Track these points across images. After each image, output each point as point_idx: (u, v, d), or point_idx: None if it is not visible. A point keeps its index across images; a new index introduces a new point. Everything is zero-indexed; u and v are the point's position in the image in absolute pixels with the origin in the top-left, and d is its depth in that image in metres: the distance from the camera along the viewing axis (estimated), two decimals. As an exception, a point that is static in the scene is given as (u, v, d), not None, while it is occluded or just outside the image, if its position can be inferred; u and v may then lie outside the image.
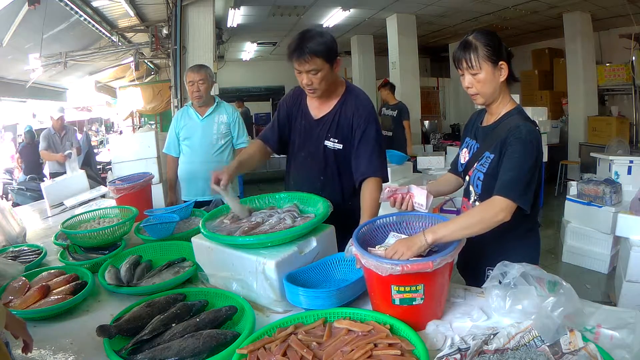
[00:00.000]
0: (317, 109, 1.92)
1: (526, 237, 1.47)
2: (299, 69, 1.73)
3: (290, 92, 2.03)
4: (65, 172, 4.59)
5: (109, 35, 6.22)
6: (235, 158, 1.79)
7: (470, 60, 1.38)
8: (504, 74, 1.40)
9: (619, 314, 1.14)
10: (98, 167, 6.31)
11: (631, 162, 3.92)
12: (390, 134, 5.79)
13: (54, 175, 4.90)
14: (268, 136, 2.00)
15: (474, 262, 1.52)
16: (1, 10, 4.02)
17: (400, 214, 1.44)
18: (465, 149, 1.59)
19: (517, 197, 1.27)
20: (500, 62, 1.39)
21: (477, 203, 1.49)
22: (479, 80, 1.40)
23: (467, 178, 1.55)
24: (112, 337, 1.18)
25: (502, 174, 1.33)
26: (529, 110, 5.68)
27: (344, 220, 1.66)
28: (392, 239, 1.35)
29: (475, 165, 1.48)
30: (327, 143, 1.87)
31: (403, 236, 1.34)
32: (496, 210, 1.27)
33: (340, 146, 1.86)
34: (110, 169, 5.08)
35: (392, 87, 5.98)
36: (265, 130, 2.04)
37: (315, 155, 1.90)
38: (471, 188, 1.51)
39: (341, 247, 1.29)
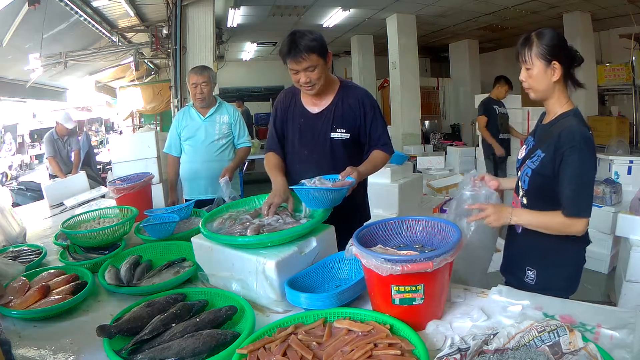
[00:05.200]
0: (315, 104, 1.93)
1: (570, 239, 1.45)
2: (295, 68, 1.75)
3: (282, 95, 2.03)
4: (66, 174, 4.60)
5: (109, 35, 6.22)
6: (281, 176, 1.82)
7: (524, 55, 1.43)
8: (557, 74, 1.41)
9: (619, 314, 1.14)
10: (98, 167, 6.31)
11: (631, 162, 3.92)
12: (508, 136, 5.07)
13: (54, 176, 4.88)
14: (274, 147, 2.02)
15: (516, 260, 1.58)
16: (1, 10, 4.02)
17: (402, 217, 1.44)
18: (524, 146, 1.62)
19: (583, 211, 1.37)
20: (554, 62, 1.41)
21: (524, 199, 1.53)
22: (530, 75, 1.45)
23: (518, 173, 1.60)
24: (112, 337, 1.18)
25: (564, 186, 1.37)
26: (529, 110, 5.69)
27: (353, 214, 1.78)
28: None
29: (526, 162, 1.52)
30: (334, 135, 1.89)
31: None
32: (571, 230, 1.39)
33: (347, 135, 1.89)
34: (110, 169, 5.07)
35: (508, 82, 5.06)
36: (269, 141, 2.06)
37: (320, 149, 1.91)
38: (520, 184, 1.56)
39: (346, 239, 1.30)
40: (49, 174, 5.20)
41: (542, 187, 1.45)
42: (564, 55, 1.41)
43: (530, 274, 1.52)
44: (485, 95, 5.30)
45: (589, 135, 1.38)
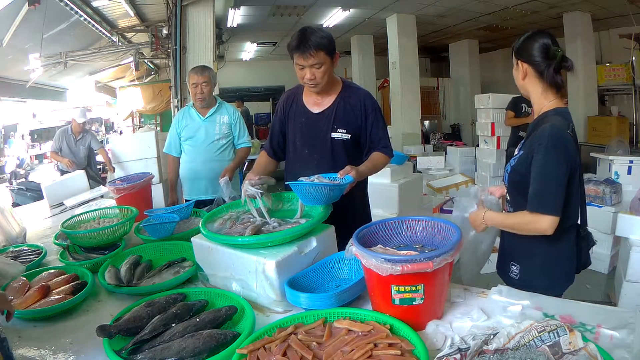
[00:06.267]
0: (316, 104, 1.94)
1: (551, 237, 1.42)
2: (302, 64, 1.75)
3: (284, 96, 2.06)
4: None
5: (109, 35, 6.22)
6: (255, 172, 1.86)
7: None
8: (522, 73, 1.45)
9: (619, 314, 1.14)
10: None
11: (631, 162, 3.92)
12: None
13: (64, 172, 4.87)
14: (267, 148, 2.08)
15: (504, 255, 1.62)
16: (1, 10, 4.02)
17: (402, 217, 1.44)
18: (519, 144, 1.64)
19: (545, 208, 1.34)
20: (519, 62, 1.44)
21: (508, 196, 1.57)
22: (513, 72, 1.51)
23: None
24: (112, 337, 1.18)
25: (531, 184, 1.38)
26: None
27: (353, 214, 1.79)
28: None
29: (510, 160, 1.55)
30: (335, 135, 1.90)
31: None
32: (536, 227, 1.37)
33: (348, 136, 1.90)
34: (110, 169, 5.06)
35: None
36: (266, 142, 2.12)
37: (321, 149, 1.92)
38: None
39: (346, 239, 1.30)
40: (61, 170, 5.14)
41: (519, 183, 1.46)
42: (533, 57, 1.42)
43: (514, 269, 1.54)
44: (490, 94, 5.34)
45: (562, 135, 1.36)
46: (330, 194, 1.53)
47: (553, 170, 1.34)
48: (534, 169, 1.37)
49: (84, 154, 5.14)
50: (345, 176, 1.62)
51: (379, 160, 1.90)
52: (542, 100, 1.47)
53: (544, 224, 1.34)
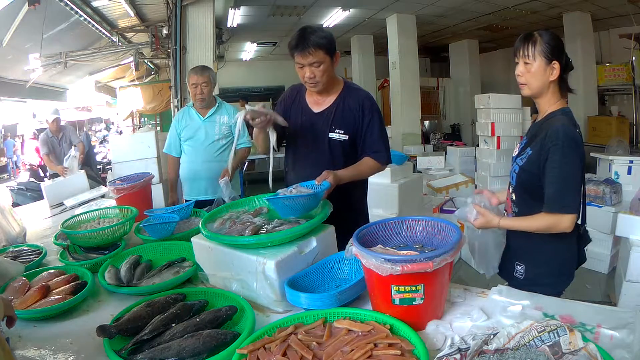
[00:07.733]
0: (317, 103, 1.94)
1: (557, 236, 1.45)
2: (302, 62, 1.76)
3: (288, 91, 2.05)
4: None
5: (109, 35, 6.22)
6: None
7: (526, 50, 1.46)
8: (555, 73, 1.45)
9: (619, 314, 1.14)
10: (98, 167, 6.32)
11: (631, 162, 3.93)
12: None
13: (54, 175, 4.89)
14: None
15: (507, 256, 1.61)
16: (1, 10, 4.02)
17: (402, 217, 1.44)
18: (518, 145, 1.65)
19: (566, 208, 1.37)
20: (554, 62, 1.44)
21: (513, 195, 1.57)
22: (529, 71, 1.47)
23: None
24: (112, 337, 1.18)
25: (547, 185, 1.40)
26: (528, 111, 5.69)
27: (352, 214, 1.78)
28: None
29: (516, 160, 1.55)
30: (332, 135, 1.89)
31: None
32: (558, 227, 1.39)
33: (346, 137, 1.89)
34: (110, 169, 5.08)
35: None
36: None
37: (319, 149, 1.91)
38: (510, 180, 1.61)
39: (346, 239, 1.30)
40: (49, 174, 5.21)
41: (528, 183, 1.49)
42: (563, 58, 1.46)
43: (519, 269, 1.55)
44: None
45: (574, 134, 1.40)
46: (304, 205, 1.54)
47: (571, 170, 1.37)
48: (552, 169, 1.38)
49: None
50: (323, 182, 1.62)
51: (366, 165, 1.87)
52: (552, 101, 1.50)
53: (566, 223, 1.37)
